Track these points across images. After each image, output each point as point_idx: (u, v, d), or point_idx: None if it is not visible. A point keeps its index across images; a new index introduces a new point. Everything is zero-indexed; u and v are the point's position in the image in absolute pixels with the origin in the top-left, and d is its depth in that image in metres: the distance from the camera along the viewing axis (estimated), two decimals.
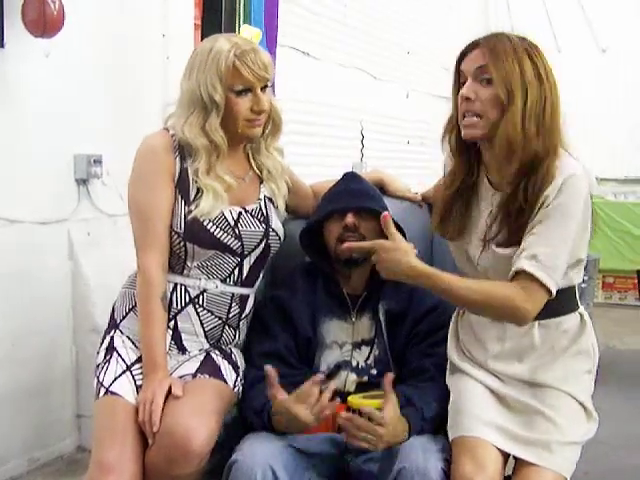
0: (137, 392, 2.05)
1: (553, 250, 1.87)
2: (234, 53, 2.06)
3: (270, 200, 2.24)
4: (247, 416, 2.07)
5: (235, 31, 3.96)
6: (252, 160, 2.24)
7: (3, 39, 3.16)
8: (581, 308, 2.09)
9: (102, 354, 2.15)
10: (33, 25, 3.12)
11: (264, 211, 2.20)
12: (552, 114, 1.92)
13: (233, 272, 2.16)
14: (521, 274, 1.87)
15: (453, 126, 2.02)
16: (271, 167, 2.24)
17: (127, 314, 2.17)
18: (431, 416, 1.99)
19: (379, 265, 1.92)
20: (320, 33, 5.83)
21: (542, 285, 1.86)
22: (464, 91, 1.93)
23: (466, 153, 2.03)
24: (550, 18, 8.86)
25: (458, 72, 1.98)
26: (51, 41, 3.23)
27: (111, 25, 3.67)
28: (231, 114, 2.09)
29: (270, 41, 4.29)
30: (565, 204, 1.88)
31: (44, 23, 3.10)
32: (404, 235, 2.23)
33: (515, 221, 1.92)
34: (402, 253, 1.90)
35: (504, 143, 1.90)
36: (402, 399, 2.01)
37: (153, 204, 2.08)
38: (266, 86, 2.12)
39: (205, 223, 2.08)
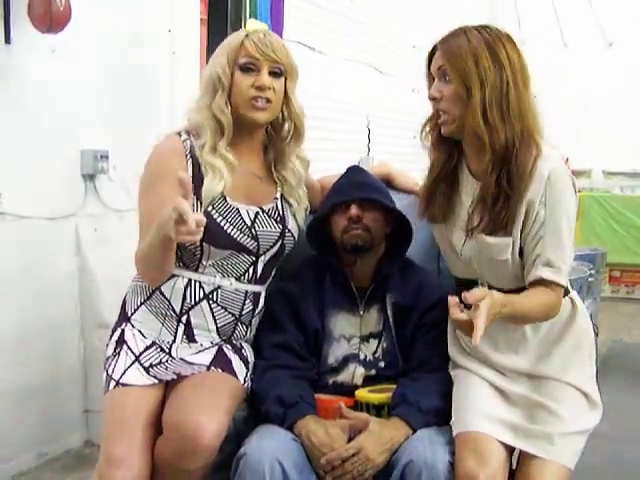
0: (148, 373, 2.07)
1: (563, 250, 1.94)
2: (245, 34, 2.10)
3: (286, 200, 2.24)
4: (265, 406, 2.04)
5: (241, 25, 3.95)
6: (273, 170, 2.23)
7: (10, 35, 3.17)
8: (572, 293, 2.10)
9: (112, 347, 2.15)
10: (39, 21, 3.12)
11: (280, 211, 2.20)
12: (518, 99, 1.93)
13: (248, 271, 2.16)
14: (540, 281, 1.94)
15: (434, 123, 2.06)
16: (292, 180, 2.22)
17: (138, 307, 2.16)
18: (429, 407, 1.99)
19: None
20: (326, 28, 5.83)
21: (560, 285, 1.95)
22: (430, 91, 2.00)
23: (446, 146, 2.07)
24: (557, 12, 8.84)
25: (430, 74, 2.03)
26: (57, 37, 3.23)
27: (117, 20, 3.67)
28: (235, 93, 2.09)
29: None
30: (560, 199, 1.93)
31: (50, 19, 3.11)
32: (410, 228, 2.24)
33: (494, 208, 1.95)
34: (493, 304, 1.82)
35: (472, 136, 1.95)
36: (397, 397, 2.03)
37: (157, 212, 2.02)
38: (278, 74, 2.11)
39: (222, 224, 2.08)
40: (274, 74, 2.10)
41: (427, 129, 2.08)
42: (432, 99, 2.00)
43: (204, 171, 2.09)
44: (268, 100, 2.10)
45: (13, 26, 3.16)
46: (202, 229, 1.77)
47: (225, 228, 2.08)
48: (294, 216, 2.23)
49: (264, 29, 2.15)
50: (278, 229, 2.17)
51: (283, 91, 2.14)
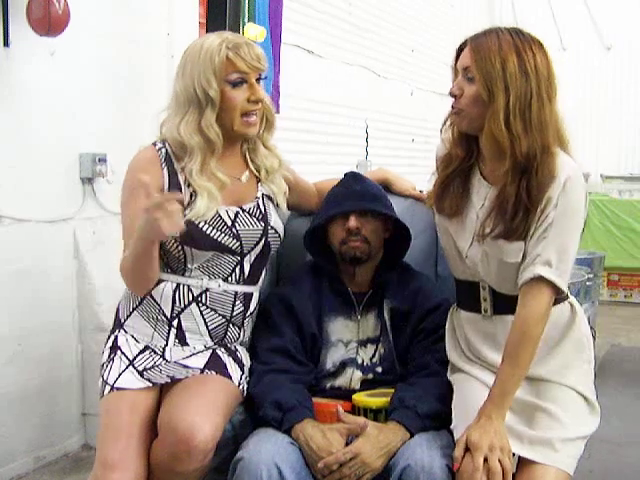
0: (142, 377, 2.07)
1: (565, 253, 1.93)
2: (226, 46, 2.07)
3: (269, 198, 2.24)
4: (262, 409, 2.03)
5: (240, 29, 3.96)
6: (249, 161, 2.24)
7: (8, 38, 3.16)
8: (571, 298, 2.10)
9: (106, 353, 2.16)
10: (38, 24, 3.12)
11: (262, 209, 2.20)
12: (539, 111, 1.91)
13: (234, 271, 2.16)
14: (536, 279, 1.92)
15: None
16: (268, 166, 2.23)
17: (131, 313, 2.17)
18: (427, 412, 1.98)
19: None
20: (324, 31, 5.84)
21: (554, 287, 1.93)
22: (451, 88, 1.99)
23: (467, 142, 2.06)
24: (555, 16, 8.85)
25: (456, 69, 2.02)
26: (56, 40, 3.24)
27: (116, 24, 3.67)
28: (227, 108, 2.09)
29: (274, 39, 4.30)
30: (572, 207, 1.93)
31: (49, 22, 3.11)
32: (408, 233, 2.24)
33: (513, 220, 1.93)
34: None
35: (491, 142, 1.94)
36: (395, 401, 2.03)
37: (136, 220, 2.05)
38: (259, 78, 2.12)
39: (201, 225, 2.08)
40: (258, 81, 2.11)
41: (448, 123, 2.08)
42: (452, 95, 1.99)
43: (197, 193, 2.09)
44: (260, 110, 2.12)
45: (12, 29, 3.16)
46: (180, 213, 1.87)
47: (205, 230, 2.09)
48: (278, 212, 2.24)
49: (244, 39, 2.14)
50: (260, 227, 2.17)
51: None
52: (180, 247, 2.09)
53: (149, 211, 1.85)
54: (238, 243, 2.14)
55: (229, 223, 2.12)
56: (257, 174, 2.23)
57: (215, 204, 2.09)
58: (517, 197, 1.92)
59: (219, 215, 2.11)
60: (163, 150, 2.12)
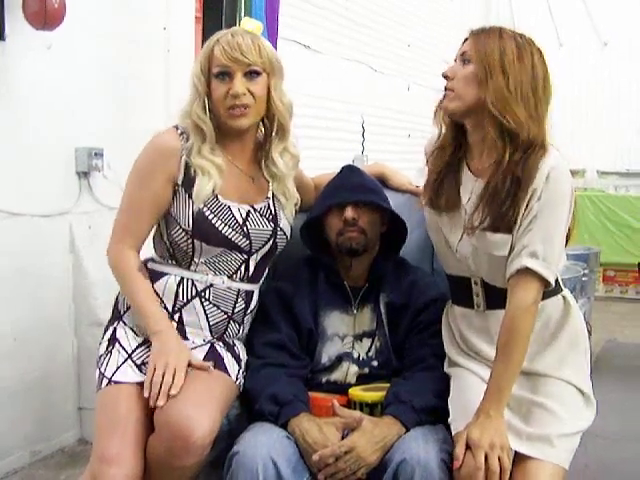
0: (140, 371, 2.06)
1: (551, 244, 1.93)
2: (217, 39, 2.08)
3: (277, 198, 2.23)
4: (258, 403, 2.03)
5: (236, 24, 3.95)
6: (264, 168, 2.21)
7: (4, 32, 3.16)
8: (565, 291, 2.10)
9: (104, 345, 2.15)
10: (34, 17, 3.12)
11: (272, 210, 2.20)
12: (538, 103, 1.94)
13: (240, 269, 2.16)
14: (523, 270, 1.92)
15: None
16: (280, 175, 2.20)
17: (130, 306, 2.16)
18: (423, 406, 1.98)
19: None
20: (321, 26, 5.84)
21: (542, 279, 1.92)
22: (444, 70, 2.00)
23: (455, 131, 2.06)
24: (552, 11, 8.86)
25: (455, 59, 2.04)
26: (52, 34, 3.23)
27: (112, 18, 3.67)
28: (214, 100, 2.09)
29: (271, 34, 4.28)
30: (556, 198, 1.93)
31: (45, 15, 3.10)
32: (404, 227, 2.24)
33: (501, 207, 1.94)
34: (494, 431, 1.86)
35: (492, 123, 1.92)
36: (390, 396, 2.03)
37: (140, 201, 2.07)
38: (254, 75, 2.07)
39: (213, 221, 2.08)
40: (250, 75, 2.07)
41: (440, 113, 2.07)
42: (444, 77, 2.00)
43: (196, 173, 2.09)
44: (246, 106, 2.07)
45: (7, 23, 3.15)
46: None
47: (217, 226, 2.09)
48: (286, 215, 2.23)
49: (236, 30, 2.13)
50: (270, 227, 2.17)
51: (265, 90, 2.10)
52: (190, 240, 2.09)
53: (183, 361, 1.97)
54: (247, 242, 2.13)
55: (240, 221, 2.12)
56: (270, 181, 2.22)
57: (209, 180, 2.07)
58: (505, 185, 1.93)
59: (230, 211, 2.11)
60: (184, 136, 2.12)
